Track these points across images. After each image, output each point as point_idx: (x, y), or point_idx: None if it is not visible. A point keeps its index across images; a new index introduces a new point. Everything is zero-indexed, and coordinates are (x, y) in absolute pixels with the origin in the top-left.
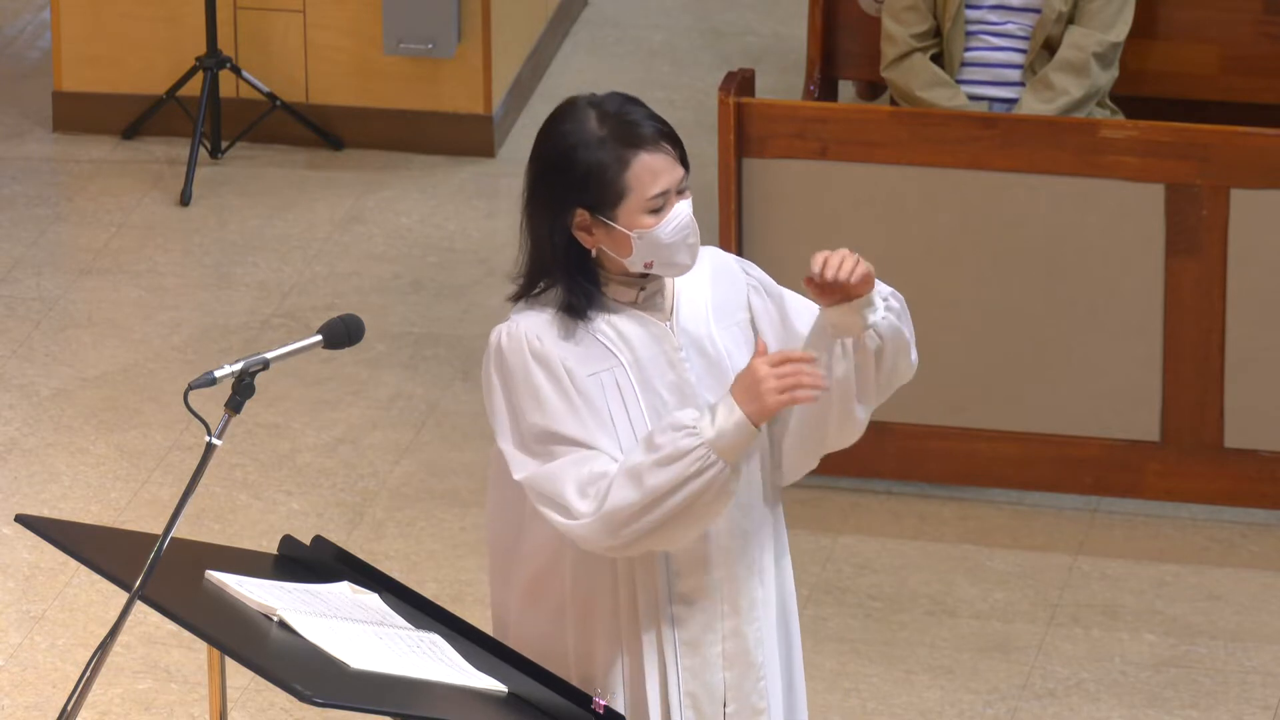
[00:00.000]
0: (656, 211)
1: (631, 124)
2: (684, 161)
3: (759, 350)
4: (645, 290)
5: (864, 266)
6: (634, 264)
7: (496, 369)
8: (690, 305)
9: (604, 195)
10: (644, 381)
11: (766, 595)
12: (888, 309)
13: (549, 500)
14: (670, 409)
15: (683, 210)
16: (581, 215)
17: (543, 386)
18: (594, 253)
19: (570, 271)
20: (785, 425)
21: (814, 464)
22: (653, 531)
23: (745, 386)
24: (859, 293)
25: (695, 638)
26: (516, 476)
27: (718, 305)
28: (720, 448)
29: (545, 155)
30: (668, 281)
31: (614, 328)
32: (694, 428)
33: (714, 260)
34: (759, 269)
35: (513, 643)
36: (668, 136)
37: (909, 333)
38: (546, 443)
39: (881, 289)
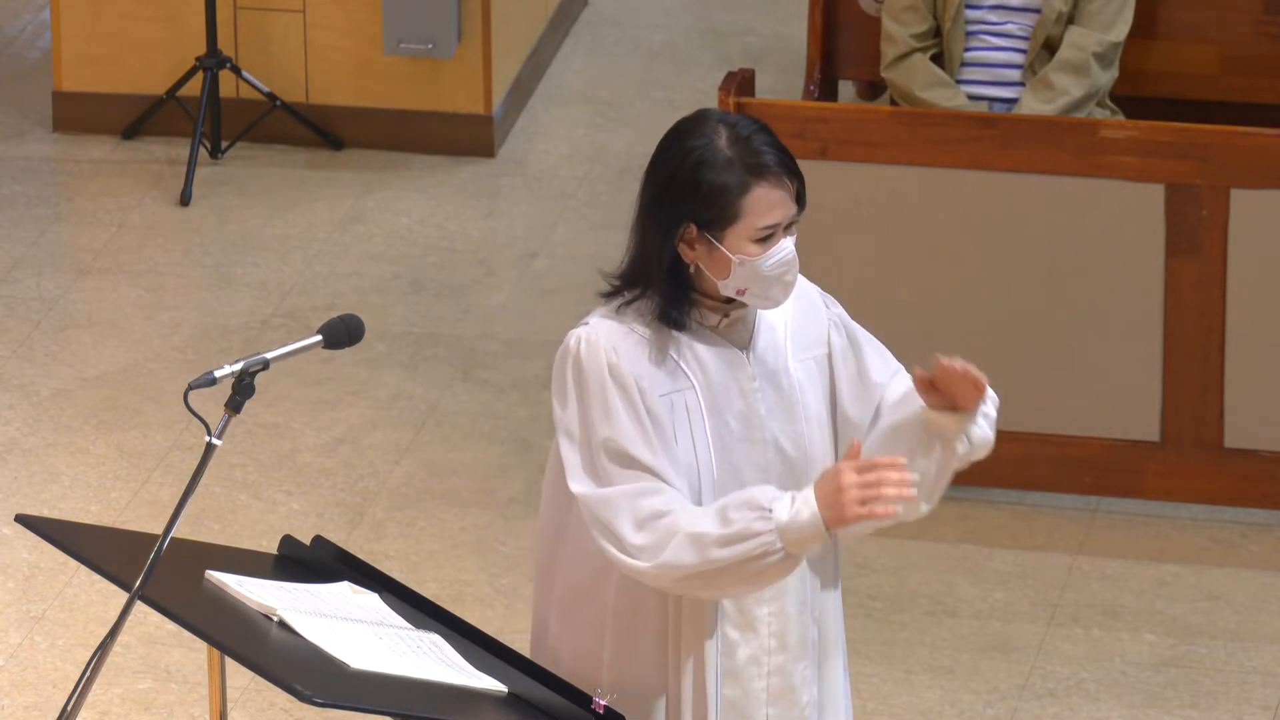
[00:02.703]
0: (762, 241)
1: (759, 153)
2: (801, 198)
3: (852, 451)
4: (729, 317)
5: (982, 381)
6: (727, 287)
7: (574, 376)
8: (769, 335)
9: (718, 215)
10: (714, 408)
11: (820, 636)
12: (985, 418)
13: (602, 527)
14: (736, 438)
15: (787, 246)
16: (691, 230)
17: (616, 403)
18: (692, 268)
19: (668, 281)
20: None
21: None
22: (703, 590)
23: (828, 490)
24: (966, 408)
25: (738, 669)
26: (573, 488)
27: (796, 336)
28: (789, 539)
29: (671, 168)
30: (751, 309)
31: (692, 350)
32: (768, 510)
33: (797, 288)
34: (838, 304)
35: (550, 651)
36: (790, 171)
37: (992, 434)
38: (611, 461)
39: (988, 398)
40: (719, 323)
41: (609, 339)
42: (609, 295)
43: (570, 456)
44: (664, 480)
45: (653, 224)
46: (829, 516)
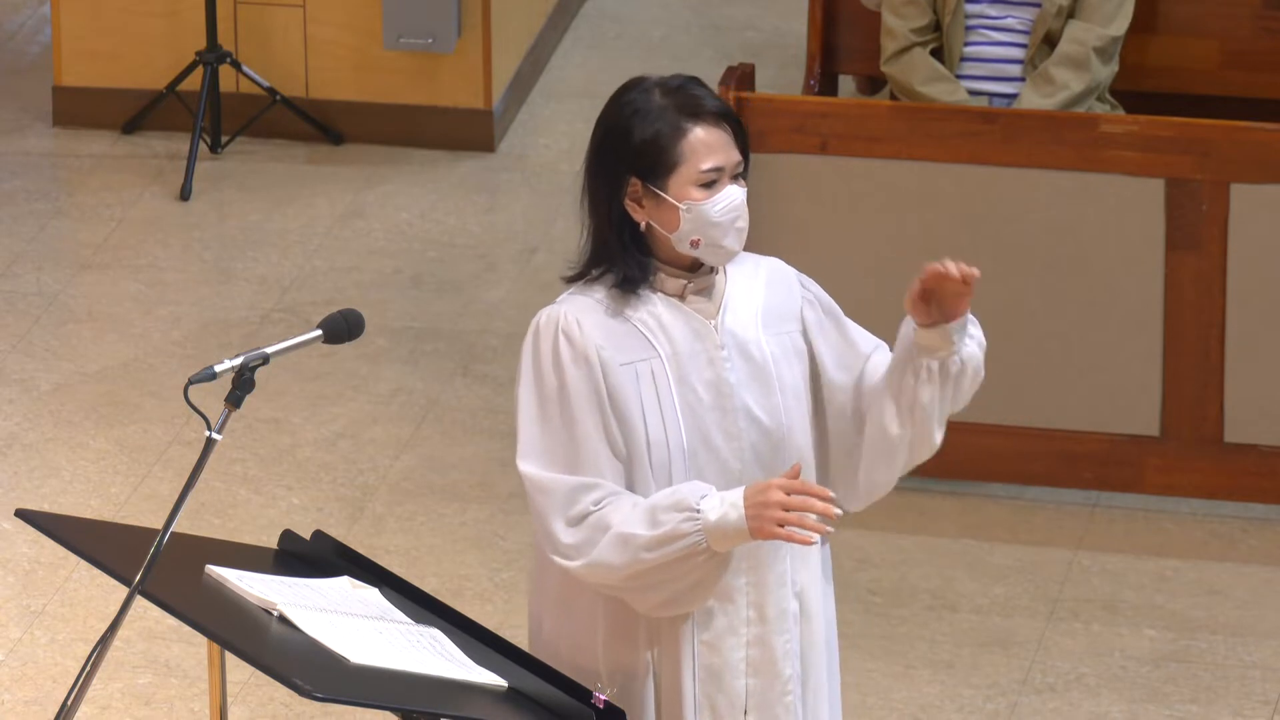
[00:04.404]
0: (707, 186)
1: (694, 98)
2: (744, 149)
3: (792, 472)
4: (692, 284)
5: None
6: (680, 240)
7: (532, 353)
8: (738, 307)
9: (657, 164)
10: (681, 376)
11: (804, 611)
12: (971, 338)
13: (539, 518)
14: (706, 406)
15: (735, 193)
16: (635, 185)
17: (569, 379)
18: (643, 226)
19: (625, 243)
20: (835, 447)
21: (890, 486)
22: (640, 592)
23: (757, 501)
24: (954, 314)
25: (716, 639)
26: (519, 465)
27: (768, 312)
28: (715, 537)
29: (606, 124)
30: (718, 280)
31: (656, 319)
32: (697, 511)
33: (771, 269)
34: (817, 285)
35: (546, 645)
36: (729, 119)
37: (981, 373)
38: (558, 440)
39: (972, 320)
40: (682, 290)
41: (573, 313)
42: (574, 278)
43: (521, 433)
44: (612, 449)
45: (599, 187)
46: (753, 526)
